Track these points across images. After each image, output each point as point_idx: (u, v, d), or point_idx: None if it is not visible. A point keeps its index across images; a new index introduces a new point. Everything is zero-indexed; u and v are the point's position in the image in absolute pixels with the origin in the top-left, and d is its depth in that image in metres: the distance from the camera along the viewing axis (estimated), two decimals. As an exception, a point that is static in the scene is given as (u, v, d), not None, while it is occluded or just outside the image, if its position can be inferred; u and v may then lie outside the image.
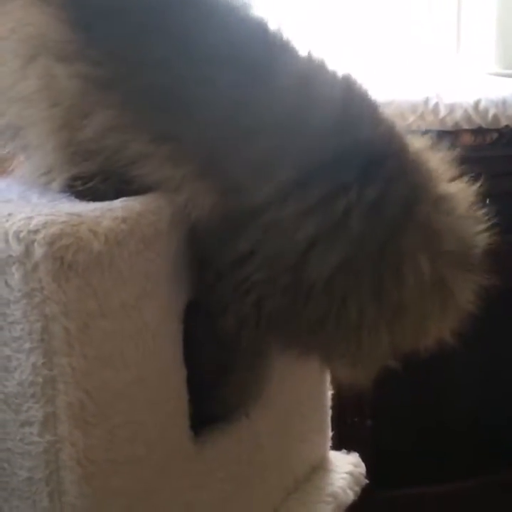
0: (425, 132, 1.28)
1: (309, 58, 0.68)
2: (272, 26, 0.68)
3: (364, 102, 0.68)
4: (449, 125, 1.30)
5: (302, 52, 0.69)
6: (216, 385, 0.71)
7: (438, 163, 0.71)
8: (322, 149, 0.63)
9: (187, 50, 0.65)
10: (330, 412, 0.93)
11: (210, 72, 0.65)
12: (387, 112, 1.25)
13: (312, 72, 0.67)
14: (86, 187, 0.66)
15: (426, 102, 1.30)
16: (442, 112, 1.30)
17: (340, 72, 0.68)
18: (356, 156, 0.64)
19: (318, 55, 0.69)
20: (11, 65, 0.69)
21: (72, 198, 0.66)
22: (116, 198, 0.65)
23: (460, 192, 0.70)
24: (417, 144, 0.71)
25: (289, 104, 0.65)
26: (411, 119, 1.30)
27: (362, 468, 0.93)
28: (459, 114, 1.30)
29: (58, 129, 0.67)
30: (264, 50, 0.67)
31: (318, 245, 0.62)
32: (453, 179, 0.71)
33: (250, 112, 0.64)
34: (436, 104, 1.31)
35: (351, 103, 0.66)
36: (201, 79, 0.65)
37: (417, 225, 0.66)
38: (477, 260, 0.69)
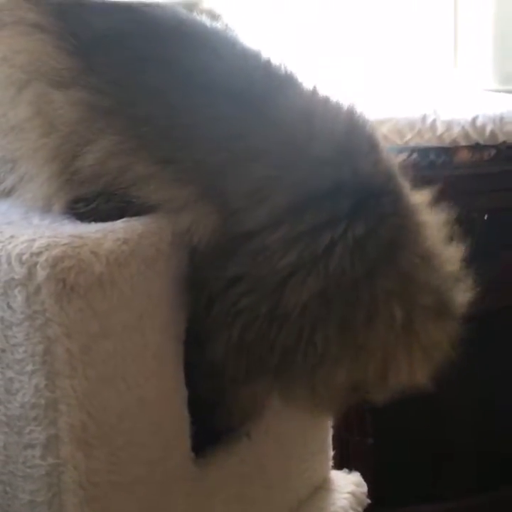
0: (423, 149, 1.30)
1: (313, 92, 0.69)
2: (275, 59, 0.69)
3: (365, 138, 0.68)
4: (446, 142, 1.31)
5: (306, 86, 0.69)
6: (212, 410, 0.71)
7: (433, 220, 0.70)
8: (319, 179, 0.64)
9: (185, 80, 0.66)
10: (331, 432, 0.93)
11: (207, 101, 0.65)
12: (385, 130, 1.27)
13: (315, 106, 0.68)
14: (88, 208, 0.66)
15: (423, 118, 1.31)
16: (440, 129, 1.31)
17: (345, 105, 0.69)
18: (351, 189, 0.64)
19: (322, 89, 0.70)
20: (1, 94, 0.69)
21: (74, 219, 0.67)
22: (119, 218, 0.65)
23: (449, 252, 0.70)
24: (417, 196, 0.71)
25: (289, 135, 0.65)
26: (409, 136, 1.31)
27: (363, 487, 0.92)
28: (456, 131, 1.30)
29: (52, 159, 0.67)
30: (265, 82, 0.68)
31: (297, 274, 0.63)
32: (444, 239, 0.70)
33: (250, 140, 0.65)
34: (434, 121, 1.32)
35: (352, 138, 0.67)
36: (199, 107, 0.65)
37: (397, 271, 0.65)
38: (453, 312, 0.68)
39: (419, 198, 0.70)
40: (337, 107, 0.69)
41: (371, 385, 0.67)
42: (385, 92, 1.46)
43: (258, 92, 0.67)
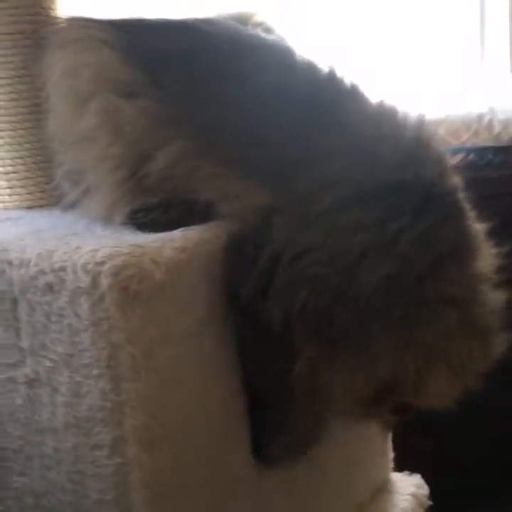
0: (480, 149, 1.28)
1: (381, 101, 0.72)
2: (339, 73, 0.72)
3: (434, 150, 0.70)
4: (504, 140, 1.29)
5: (371, 96, 0.72)
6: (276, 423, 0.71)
7: (488, 251, 0.71)
8: (386, 176, 0.67)
9: (256, 92, 0.69)
10: (391, 434, 0.93)
11: (278, 108, 0.69)
12: (441, 131, 1.26)
13: (385, 113, 0.71)
14: (148, 218, 0.69)
15: (479, 118, 1.30)
16: (496, 128, 1.30)
17: (414, 117, 0.71)
18: (415, 189, 0.66)
19: (389, 102, 0.72)
20: (64, 107, 0.73)
21: (134, 229, 0.69)
22: (177, 228, 0.67)
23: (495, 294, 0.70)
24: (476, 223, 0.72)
25: (358, 138, 0.68)
26: (465, 136, 1.30)
27: (425, 489, 0.92)
28: (514, 130, 1.29)
29: (118, 166, 0.70)
30: (333, 90, 0.71)
31: (369, 256, 0.65)
32: (494, 282, 0.70)
33: (319, 142, 0.68)
34: (490, 121, 1.30)
35: (421, 148, 0.69)
36: (270, 115, 0.69)
37: (460, 276, 0.66)
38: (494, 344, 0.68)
39: (478, 225, 0.71)
40: (406, 118, 0.71)
41: (410, 389, 0.67)
42: (440, 93, 1.44)
43: (327, 99, 0.71)
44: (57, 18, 0.78)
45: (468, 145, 1.29)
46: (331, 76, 0.72)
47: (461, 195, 0.70)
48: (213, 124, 0.69)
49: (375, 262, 0.64)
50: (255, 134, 0.68)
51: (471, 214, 0.70)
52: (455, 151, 1.27)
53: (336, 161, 0.67)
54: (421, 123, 0.71)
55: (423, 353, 0.66)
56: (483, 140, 1.28)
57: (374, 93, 0.73)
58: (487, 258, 0.70)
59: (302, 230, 0.66)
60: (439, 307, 0.65)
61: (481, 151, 1.29)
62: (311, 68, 0.72)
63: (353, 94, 0.72)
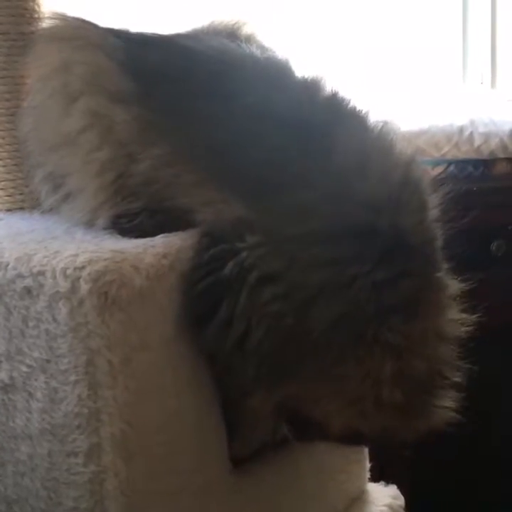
0: (461, 162, 1.29)
1: (379, 133, 0.70)
2: (328, 88, 0.71)
3: (418, 196, 0.68)
4: (484, 154, 1.31)
5: (367, 120, 0.71)
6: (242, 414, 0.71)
7: (451, 309, 0.70)
8: (359, 218, 0.65)
9: (243, 111, 0.69)
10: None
11: (265, 130, 0.68)
12: (421, 142, 1.27)
13: (375, 149, 0.69)
14: (131, 224, 0.69)
15: (460, 131, 1.31)
16: (477, 141, 1.31)
17: (405, 155, 0.70)
18: (384, 239, 0.65)
19: (376, 122, 0.71)
20: (51, 104, 0.72)
21: (116, 234, 0.69)
22: (160, 233, 0.67)
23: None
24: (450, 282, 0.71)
25: (342, 172, 0.67)
26: (446, 148, 1.31)
27: (401, 500, 0.92)
28: (494, 143, 1.30)
29: (103, 171, 0.70)
30: (326, 113, 0.70)
31: (323, 295, 0.64)
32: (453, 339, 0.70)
33: (303, 168, 0.67)
34: (471, 133, 1.31)
35: (405, 193, 0.67)
36: (256, 136, 0.68)
37: (404, 330, 0.66)
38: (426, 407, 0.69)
39: (452, 283, 0.70)
40: (399, 156, 0.69)
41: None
42: (421, 105, 1.46)
43: (317, 122, 0.69)
44: (51, 15, 0.76)
45: (449, 157, 1.30)
46: (329, 97, 0.71)
47: (437, 246, 0.69)
48: (198, 136, 0.69)
49: (326, 302, 0.64)
50: (237, 151, 0.68)
51: (442, 265, 0.70)
52: (436, 163, 1.29)
53: (313, 190, 0.66)
54: (411, 164, 0.69)
55: (357, 396, 0.66)
56: (465, 153, 1.29)
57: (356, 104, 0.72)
58: (449, 314, 0.69)
59: (269, 252, 0.65)
60: (376, 350, 0.65)
61: (461, 163, 1.30)
62: (306, 88, 0.71)
63: (349, 119, 0.70)
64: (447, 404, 0.69)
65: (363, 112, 0.72)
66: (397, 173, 0.68)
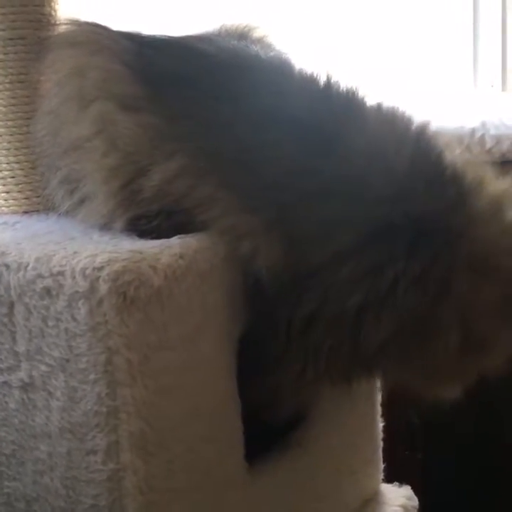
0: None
1: (380, 122, 0.70)
2: (337, 84, 0.72)
3: (424, 174, 0.68)
4: (495, 156, 1.31)
5: (374, 113, 0.71)
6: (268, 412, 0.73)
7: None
8: (376, 220, 0.65)
9: (253, 117, 0.69)
10: (381, 444, 0.93)
11: (275, 138, 0.68)
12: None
13: (380, 139, 0.69)
14: (150, 226, 0.69)
15: (472, 133, 1.31)
16: (489, 144, 1.31)
17: (412, 135, 0.69)
18: (403, 230, 0.65)
19: (387, 111, 0.71)
20: (66, 109, 0.72)
21: (133, 235, 0.69)
22: (178, 234, 0.67)
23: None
24: (497, 188, 0.70)
25: (354, 174, 0.67)
26: (457, 150, 1.31)
27: (414, 501, 0.92)
28: (505, 146, 1.30)
29: (110, 178, 0.70)
30: (334, 118, 0.70)
31: (368, 312, 0.65)
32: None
33: (318, 178, 0.67)
34: (483, 136, 1.31)
35: (413, 176, 0.67)
36: (267, 144, 0.68)
37: (455, 301, 0.67)
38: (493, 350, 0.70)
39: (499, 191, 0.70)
40: (402, 139, 0.69)
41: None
42: (433, 107, 1.46)
43: (328, 129, 0.69)
44: (65, 20, 0.77)
45: (460, 159, 1.30)
46: (338, 95, 0.71)
47: (455, 207, 0.68)
48: (213, 145, 0.69)
49: (375, 318, 0.65)
50: (254, 159, 0.68)
51: (478, 201, 0.68)
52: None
53: (334, 204, 0.66)
54: (418, 140, 0.69)
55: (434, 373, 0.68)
56: (476, 155, 1.30)
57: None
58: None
59: (302, 289, 0.66)
60: (442, 333, 0.66)
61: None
62: (319, 91, 0.71)
63: (355, 117, 0.70)
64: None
65: (364, 100, 0.71)
66: (404, 158, 0.67)
